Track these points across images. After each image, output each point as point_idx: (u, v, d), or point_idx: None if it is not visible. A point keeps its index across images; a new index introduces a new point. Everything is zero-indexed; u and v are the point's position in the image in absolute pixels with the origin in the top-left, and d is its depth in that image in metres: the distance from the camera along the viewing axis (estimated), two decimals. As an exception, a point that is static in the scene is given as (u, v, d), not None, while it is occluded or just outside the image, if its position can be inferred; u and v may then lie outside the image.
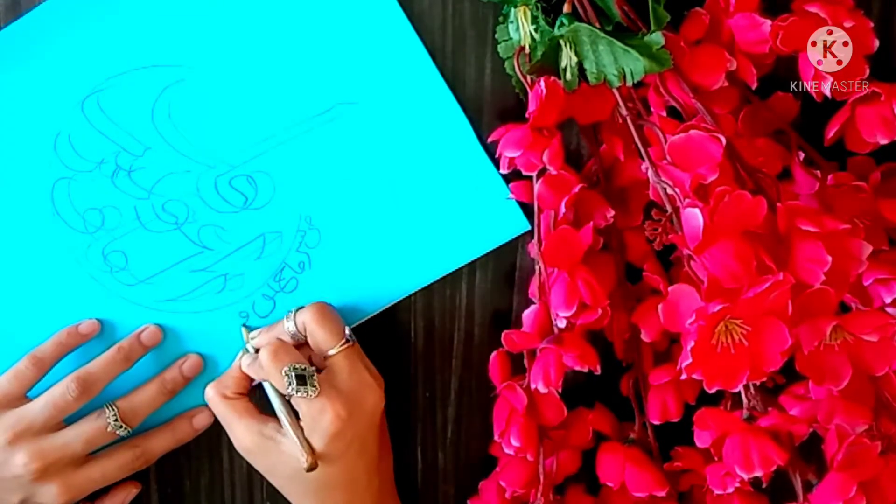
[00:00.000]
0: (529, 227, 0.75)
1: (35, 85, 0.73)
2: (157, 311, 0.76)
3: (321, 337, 0.72)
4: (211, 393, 0.74)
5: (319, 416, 0.69)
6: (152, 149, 0.74)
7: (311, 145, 0.75)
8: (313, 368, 0.70)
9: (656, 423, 0.73)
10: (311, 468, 0.69)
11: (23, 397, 0.74)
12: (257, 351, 0.73)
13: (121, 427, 0.74)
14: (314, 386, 0.69)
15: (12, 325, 0.76)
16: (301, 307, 0.73)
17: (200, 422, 0.77)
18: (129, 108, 0.74)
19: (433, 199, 0.75)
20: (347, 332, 0.73)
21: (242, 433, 0.72)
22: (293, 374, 0.69)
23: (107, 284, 0.76)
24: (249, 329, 0.76)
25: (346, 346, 0.72)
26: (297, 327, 0.73)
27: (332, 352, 0.72)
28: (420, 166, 0.75)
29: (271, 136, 0.74)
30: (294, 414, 0.71)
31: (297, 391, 0.69)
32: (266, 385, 0.72)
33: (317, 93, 0.74)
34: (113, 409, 0.74)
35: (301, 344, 0.73)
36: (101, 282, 0.76)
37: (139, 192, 0.75)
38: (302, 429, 0.70)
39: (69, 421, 0.74)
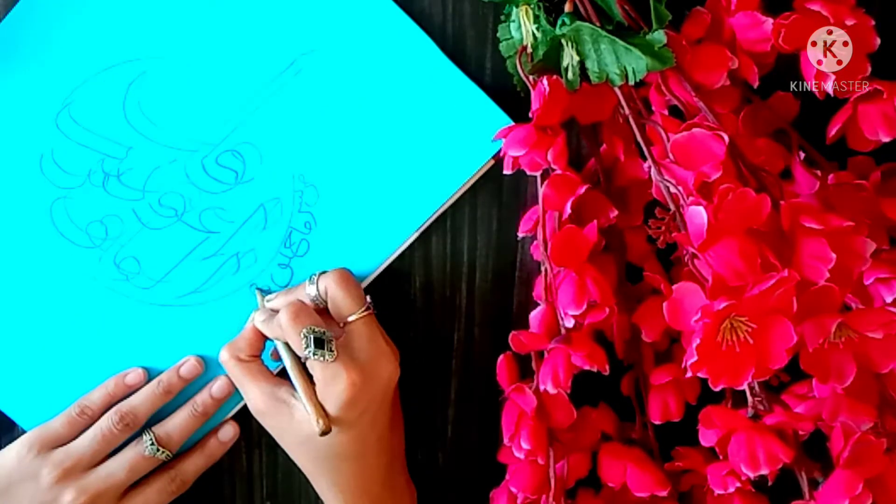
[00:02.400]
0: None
1: (6, 113, 0.73)
2: (182, 307, 0.76)
3: (343, 301, 0.71)
4: (225, 356, 0.73)
5: (333, 381, 0.68)
6: (134, 147, 0.74)
7: (284, 104, 0.74)
8: (332, 333, 0.69)
9: (657, 423, 0.73)
10: (325, 432, 0.68)
11: (71, 439, 0.74)
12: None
13: (159, 451, 0.74)
14: (331, 350, 0.68)
15: (43, 352, 0.76)
16: (325, 271, 0.72)
17: (226, 434, 0.77)
18: (102, 113, 0.74)
19: (417, 125, 0.75)
20: (368, 299, 0.72)
21: (256, 395, 0.71)
22: (311, 336, 0.68)
23: (126, 292, 0.76)
24: (264, 293, 0.75)
25: (366, 312, 0.71)
26: (318, 291, 0.72)
27: (352, 317, 0.71)
28: (392, 94, 0.74)
29: (244, 105, 0.74)
30: (307, 378, 0.70)
31: (314, 354, 0.68)
32: (280, 346, 0.72)
33: (275, 50, 0.74)
34: (149, 435, 0.74)
35: (319, 310, 0.72)
36: (119, 291, 0.76)
37: (133, 193, 0.75)
38: (315, 392, 0.69)
39: None
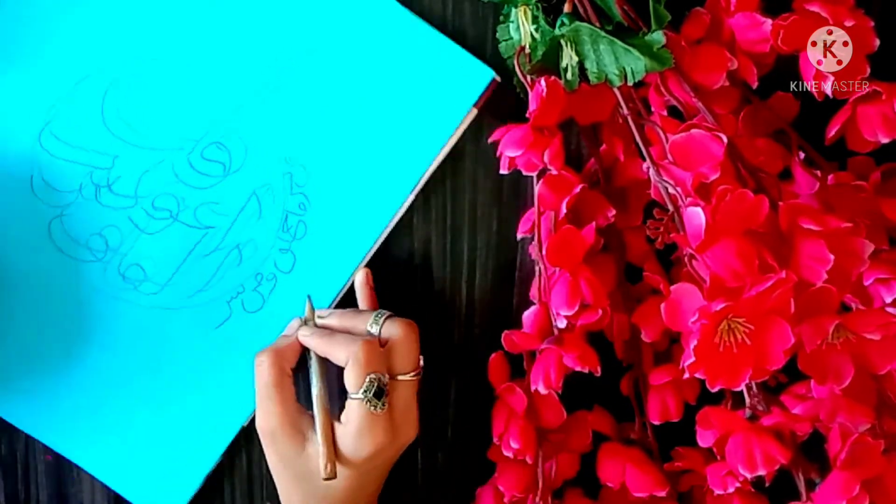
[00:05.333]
0: (494, 74, 0.74)
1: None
2: (192, 308, 0.76)
3: (402, 357, 0.69)
4: (267, 361, 0.70)
5: (367, 431, 0.67)
6: (120, 155, 0.75)
7: (260, 88, 0.74)
8: (389, 385, 0.68)
9: (656, 423, 0.73)
10: (330, 477, 0.67)
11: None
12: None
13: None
14: (384, 404, 0.67)
15: (59, 368, 0.76)
16: (392, 315, 0.71)
17: None
18: (82, 126, 0.74)
19: (394, 87, 0.74)
20: (421, 362, 0.71)
21: (276, 415, 0.69)
22: (376, 384, 0.67)
23: (134, 301, 0.76)
24: (314, 306, 0.74)
25: (416, 376, 0.70)
26: (379, 334, 0.70)
27: (403, 377, 0.69)
28: (365, 60, 0.74)
29: (220, 96, 0.74)
30: (329, 415, 0.69)
31: (369, 402, 0.67)
32: (314, 362, 0.70)
33: (243, 36, 0.73)
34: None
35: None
36: (128, 300, 0.76)
37: (126, 201, 0.75)
38: (334, 434, 0.68)
39: None
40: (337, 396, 0.70)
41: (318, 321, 0.73)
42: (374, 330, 0.70)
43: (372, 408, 0.67)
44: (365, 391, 0.66)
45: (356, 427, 0.67)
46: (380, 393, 0.67)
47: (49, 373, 0.76)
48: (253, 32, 0.73)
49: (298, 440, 0.69)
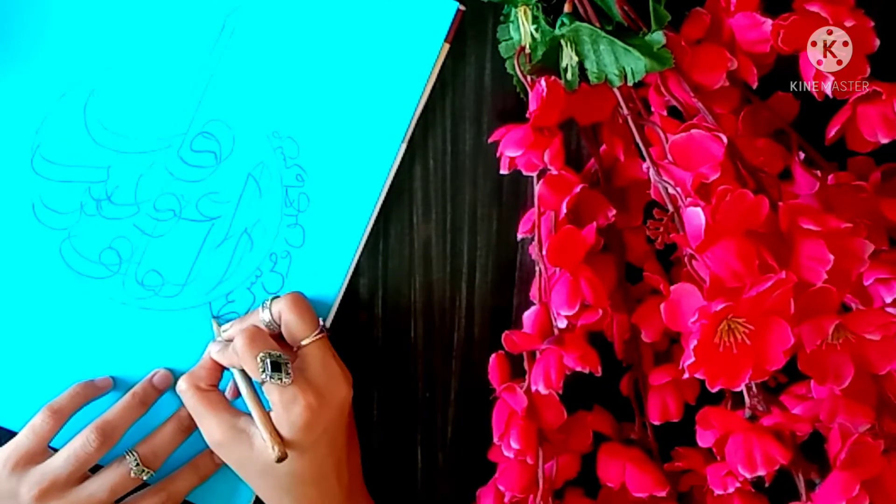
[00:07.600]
0: (458, 5, 0.73)
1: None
2: (215, 302, 0.76)
3: (296, 325, 0.72)
4: (184, 385, 0.73)
5: (291, 404, 0.69)
6: (112, 165, 0.75)
7: (232, 68, 0.74)
8: (287, 356, 0.70)
9: (656, 423, 0.73)
10: (281, 458, 0.68)
11: (44, 451, 0.73)
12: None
13: (143, 471, 0.73)
14: (288, 373, 0.69)
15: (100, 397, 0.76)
16: (277, 296, 0.73)
17: None
18: (70, 144, 0.74)
19: (363, 38, 0.74)
20: (321, 322, 0.73)
21: (215, 426, 0.71)
22: (268, 360, 0.69)
23: (158, 306, 0.76)
24: (220, 322, 0.76)
25: (319, 336, 0.72)
26: (272, 316, 0.72)
27: (305, 341, 0.72)
28: (327, 17, 0.74)
29: (195, 85, 0.74)
30: (262, 405, 0.71)
31: (270, 378, 0.68)
32: (236, 373, 0.72)
33: (202, 21, 0.73)
34: (134, 455, 0.73)
35: (273, 335, 0.73)
36: (152, 307, 0.76)
37: (128, 209, 0.75)
38: (271, 419, 0.69)
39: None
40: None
41: (223, 334, 0.75)
42: (266, 316, 0.73)
43: (278, 381, 0.69)
44: (263, 372, 0.69)
45: (279, 405, 0.69)
46: (276, 366, 0.69)
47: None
48: (215, 19, 0.73)
49: (244, 439, 0.70)
